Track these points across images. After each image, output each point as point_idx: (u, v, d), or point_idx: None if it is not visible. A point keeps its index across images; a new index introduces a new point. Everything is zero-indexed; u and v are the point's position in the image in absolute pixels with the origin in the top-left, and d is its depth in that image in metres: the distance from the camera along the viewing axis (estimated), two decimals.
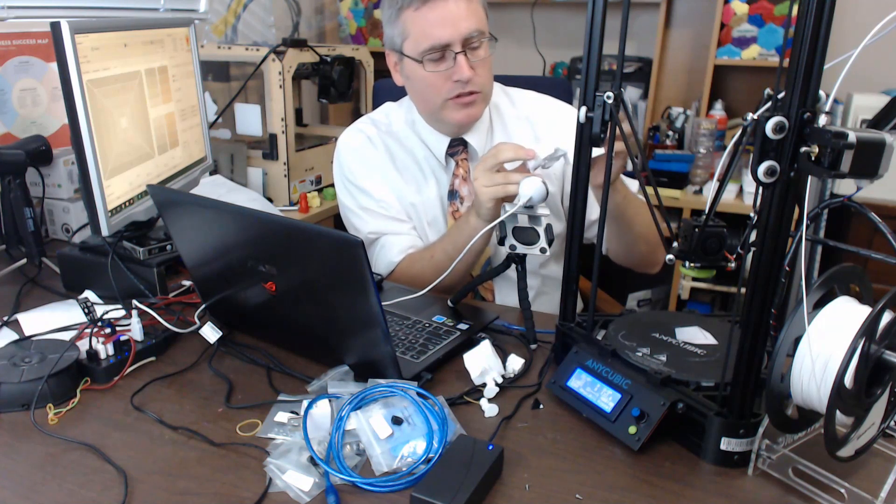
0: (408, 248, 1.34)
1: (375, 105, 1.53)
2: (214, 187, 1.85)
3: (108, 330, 0.97)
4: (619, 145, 0.89)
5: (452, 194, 1.36)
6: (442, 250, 1.24)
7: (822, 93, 0.65)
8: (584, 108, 0.89)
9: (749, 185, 2.42)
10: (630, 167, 1.36)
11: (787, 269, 0.71)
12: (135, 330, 1.00)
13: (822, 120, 0.64)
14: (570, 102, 1.52)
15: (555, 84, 1.70)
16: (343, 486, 0.74)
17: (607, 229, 1.27)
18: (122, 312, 1.07)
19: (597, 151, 0.93)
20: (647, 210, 0.85)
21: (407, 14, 1.22)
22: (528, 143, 1.33)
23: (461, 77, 1.21)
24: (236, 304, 1.03)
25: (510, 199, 1.09)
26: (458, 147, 1.35)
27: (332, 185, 2.17)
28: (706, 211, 0.81)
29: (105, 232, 1.12)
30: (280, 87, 1.93)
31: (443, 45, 1.20)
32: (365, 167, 1.39)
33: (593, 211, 1.27)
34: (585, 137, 0.91)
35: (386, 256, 1.35)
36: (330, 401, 0.83)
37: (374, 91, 1.82)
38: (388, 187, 1.38)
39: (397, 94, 1.44)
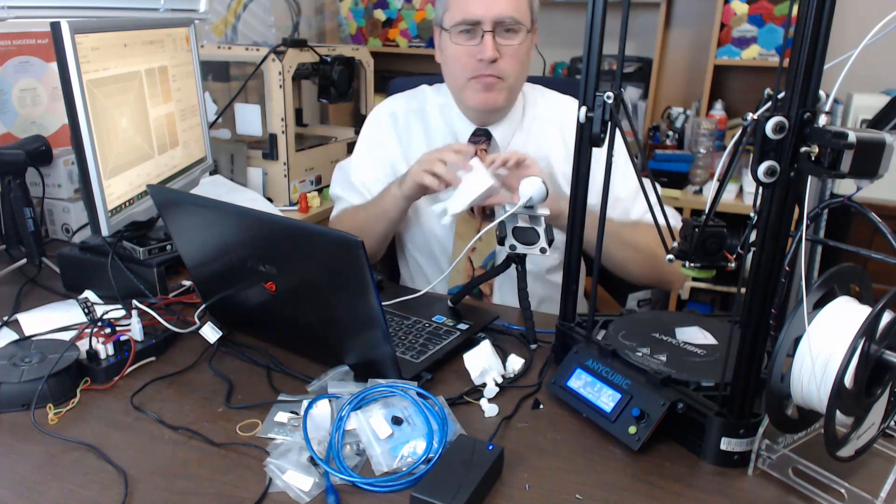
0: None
1: None
2: (214, 187, 1.85)
3: (108, 330, 0.97)
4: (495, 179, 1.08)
5: None
6: (365, 212, 1.34)
7: (822, 93, 0.65)
8: (584, 108, 0.89)
9: (749, 185, 2.41)
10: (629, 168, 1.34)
11: (787, 269, 0.71)
12: (135, 330, 1.00)
13: (822, 120, 0.64)
14: None
15: (554, 83, 1.69)
16: (343, 486, 0.74)
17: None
18: (122, 312, 1.07)
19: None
20: (638, 231, 0.85)
21: None
22: (556, 147, 1.33)
23: (483, 56, 1.22)
24: (236, 304, 1.03)
25: (431, 190, 1.18)
26: (480, 137, 1.36)
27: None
28: (706, 211, 0.81)
29: (105, 232, 1.12)
30: (280, 87, 1.92)
31: (473, 21, 1.22)
32: (375, 147, 1.45)
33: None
34: (585, 137, 0.91)
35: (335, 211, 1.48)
36: (330, 401, 0.83)
37: (389, 90, 1.79)
38: (387, 172, 1.41)
39: None
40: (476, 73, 1.25)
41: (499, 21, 1.21)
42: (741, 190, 2.50)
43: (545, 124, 1.37)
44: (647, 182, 0.91)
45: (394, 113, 1.44)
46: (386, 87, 1.69)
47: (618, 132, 0.88)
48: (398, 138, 1.42)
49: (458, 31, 1.24)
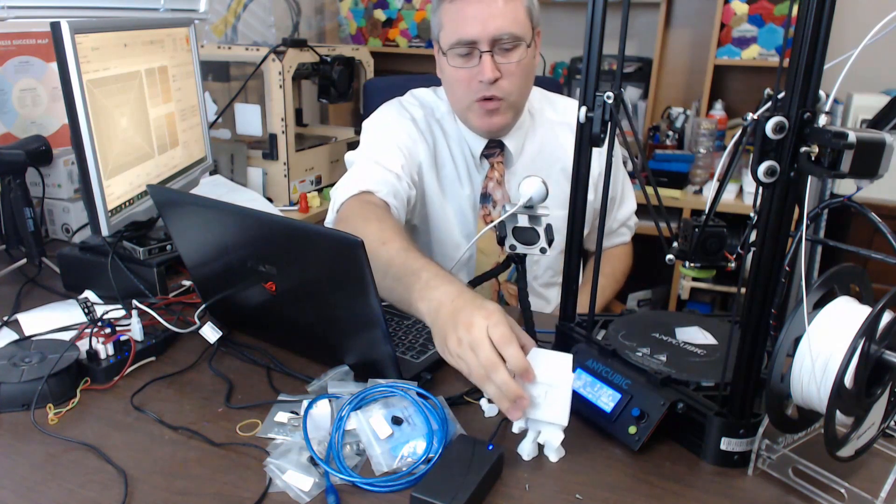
0: (387, 191, 1.18)
1: (367, 106, 1.46)
2: (214, 187, 1.85)
3: (108, 330, 0.97)
4: None
5: (485, 197, 1.33)
6: (387, 261, 0.95)
7: (822, 93, 0.65)
8: (584, 108, 0.89)
9: (749, 185, 2.42)
10: (631, 167, 1.34)
11: (787, 269, 0.71)
12: (135, 330, 1.00)
13: (822, 120, 0.64)
14: None
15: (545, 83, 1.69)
16: (343, 486, 0.74)
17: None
18: (122, 312, 1.07)
19: None
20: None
21: (445, 5, 1.22)
22: (570, 150, 1.31)
23: (483, 78, 1.19)
24: (236, 304, 1.03)
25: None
26: (494, 149, 1.33)
27: (333, 185, 2.18)
28: (706, 211, 0.81)
29: (105, 232, 1.12)
30: (280, 87, 1.93)
31: (469, 42, 1.19)
32: (405, 138, 1.30)
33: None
34: (585, 137, 0.91)
35: (354, 180, 1.19)
36: (330, 401, 0.83)
37: (364, 91, 1.76)
38: (412, 169, 1.28)
39: (390, 94, 1.41)
40: (478, 96, 1.22)
41: (496, 39, 1.18)
42: (741, 190, 2.50)
43: (556, 127, 1.36)
44: (642, 184, 0.91)
45: (412, 117, 1.35)
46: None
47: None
48: (424, 140, 1.32)
49: (455, 54, 1.21)
